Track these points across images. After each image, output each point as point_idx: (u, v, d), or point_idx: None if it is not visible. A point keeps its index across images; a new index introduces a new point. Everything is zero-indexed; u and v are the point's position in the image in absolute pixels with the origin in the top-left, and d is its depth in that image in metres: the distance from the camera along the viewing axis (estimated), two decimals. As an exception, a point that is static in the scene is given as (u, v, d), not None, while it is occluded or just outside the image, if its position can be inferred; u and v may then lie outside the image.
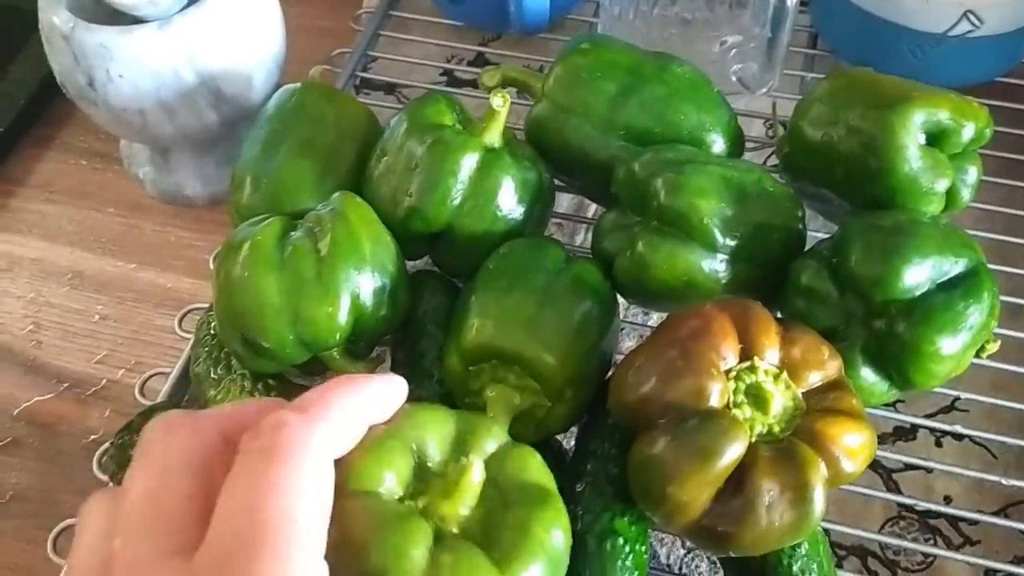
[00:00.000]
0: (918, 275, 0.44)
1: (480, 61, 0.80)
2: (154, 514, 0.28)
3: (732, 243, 0.48)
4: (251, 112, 0.66)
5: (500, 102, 0.51)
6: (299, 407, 0.30)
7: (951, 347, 0.44)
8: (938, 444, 0.57)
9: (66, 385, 0.65)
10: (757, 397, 0.40)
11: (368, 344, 0.50)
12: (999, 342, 0.48)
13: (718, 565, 0.52)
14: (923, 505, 0.51)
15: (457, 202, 0.51)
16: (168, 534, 0.27)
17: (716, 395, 0.40)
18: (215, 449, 0.30)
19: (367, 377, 0.33)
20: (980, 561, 0.48)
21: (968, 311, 0.44)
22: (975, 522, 0.53)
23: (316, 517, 0.28)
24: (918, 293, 0.44)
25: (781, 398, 0.41)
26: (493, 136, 0.52)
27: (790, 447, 0.40)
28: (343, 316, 0.46)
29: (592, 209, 0.67)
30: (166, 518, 0.28)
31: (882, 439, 0.57)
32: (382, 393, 0.34)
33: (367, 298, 0.47)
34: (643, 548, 0.43)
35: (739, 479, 0.39)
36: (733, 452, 0.39)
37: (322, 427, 0.30)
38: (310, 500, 0.28)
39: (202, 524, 0.27)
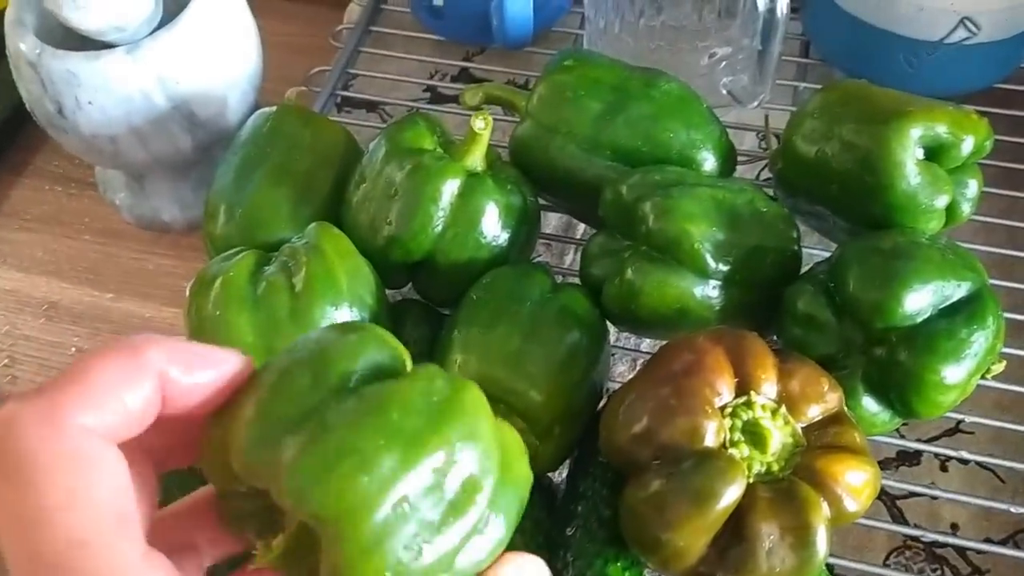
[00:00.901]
0: (919, 301, 0.42)
1: (464, 76, 0.78)
2: None
3: (725, 268, 0.46)
4: (227, 135, 0.64)
5: (482, 124, 0.49)
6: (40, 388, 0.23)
7: (956, 375, 0.42)
8: (943, 468, 0.55)
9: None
10: (754, 434, 0.38)
11: (348, 380, 0.48)
12: (1004, 362, 0.46)
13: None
14: (929, 536, 0.49)
15: (439, 229, 0.49)
16: None
17: (712, 434, 0.38)
18: None
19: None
20: (990, 594, 0.46)
21: (972, 337, 0.42)
22: (983, 551, 0.51)
23: (83, 537, 0.21)
24: (920, 320, 0.43)
25: (780, 435, 0.39)
26: (475, 159, 0.50)
27: (790, 487, 0.38)
28: (320, 354, 0.44)
29: (581, 229, 0.65)
30: None
31: (885, 464, 0.55)
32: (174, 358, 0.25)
33: (345, 334, 0.45)
34: (638, 594, 0.41)
35: (737, 522, 0.37)
36: (731, 494, 0.37)
37: (74, 408, 0.22)
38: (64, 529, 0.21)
39: None
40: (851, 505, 0.38)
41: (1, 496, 0.22)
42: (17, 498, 0.22)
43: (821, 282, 0.46)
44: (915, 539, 0.52)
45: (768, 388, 0.40)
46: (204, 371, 0.25)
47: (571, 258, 0.65)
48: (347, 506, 0.23)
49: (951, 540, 0.50)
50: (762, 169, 0.68)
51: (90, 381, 0.23)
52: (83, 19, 0.57)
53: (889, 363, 0.43)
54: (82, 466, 0.22)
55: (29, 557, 0.21)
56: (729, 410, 0.39)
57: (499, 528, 0.26)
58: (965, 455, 0.50)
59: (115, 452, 0.23)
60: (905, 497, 0.54)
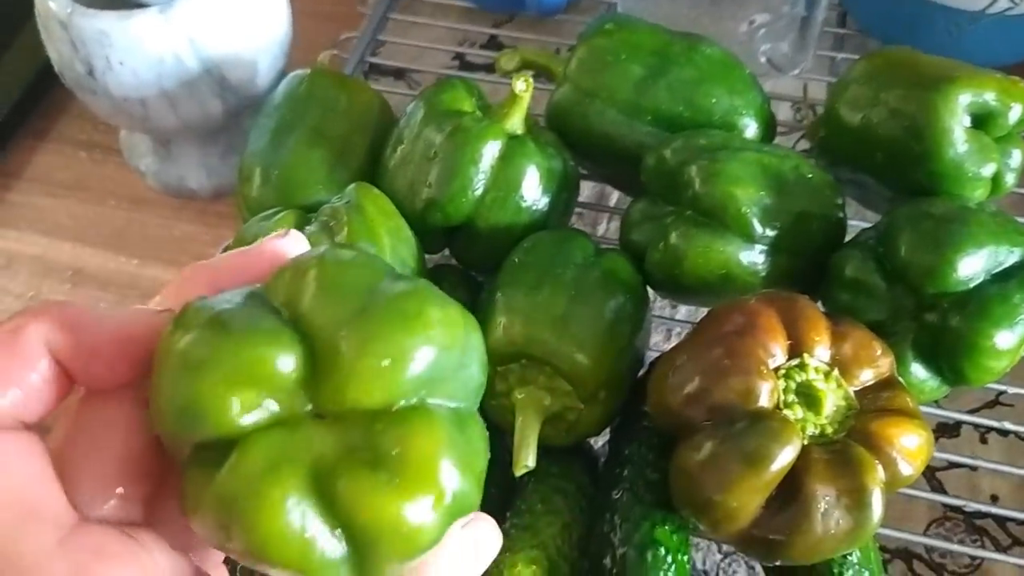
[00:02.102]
0: (973, 266, 0.42)
1: (493, 44, 0.77)
2: None
3: (771, 233, 0.45)
4: (256, 100, 0.63)
5: (523, 86, 0.48)
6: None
7: (1008, 341, 0.42)
8: (983, 440, 0.55)
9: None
10: (808, 396, 0.38)
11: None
12: (1048, 333, 0.45)
13: (757, 570, 0.50)
14: (971, 506, 0.49)
15: (479, 193, 0.48)
16: None
17: (765, 395, 0.38)
18: None
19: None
20: (1031, 564, 0.46)
21: (1026, 303, 0.42)
22: (1023, 522, 0.51)
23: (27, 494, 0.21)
24: (972, 285, 0.42)
25: (833, 397, 0.38)
26: (515, 122, 0.49)
27: (845, 449, 0.37)
28: (362, 315, 0.43)
29: (615, 197, 0.64)
30: None
31: (924, 435, 0.55)
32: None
33: (386, 296, 0.44)
34: (685, 558, 0.41)
35: (791, 484, 0.37)
36: (785, 456, 0.36)
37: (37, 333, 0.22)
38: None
39: None
40: (905, 469, 0.38)
41: None
42: None
43: (870, 248, 0.45)
44: (956, 509, 0.52)
45: (821, 351, 0.39)
46: (111, 341, 0.23)
47: (604, 227, 0.65)
48: None
49: (991, 510, 0.50)
50: (798, 140, 0.67)
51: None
52: (117, -23, 0.56)
53: (941, 328, 0.42)
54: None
55: None
56: (782, 372, 0.38)
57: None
58: (1007, 426, 0.50)
59: (16, 439, 0.22)
60: (945, 468, 0.54)
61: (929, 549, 0.51)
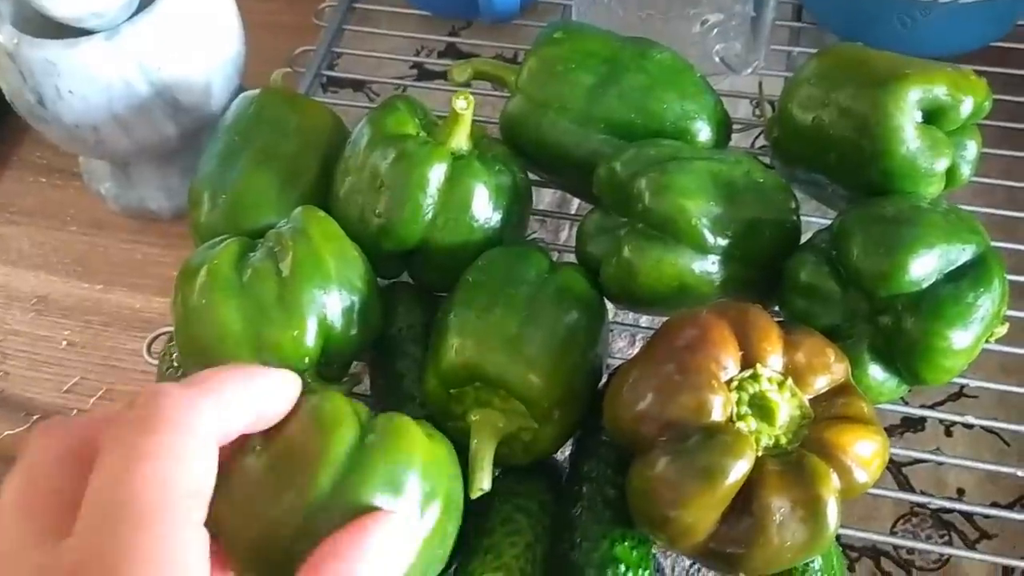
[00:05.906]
0: (925, 267, 0.42)
1: (451, 52, 0.76)
2: (23, 507, 0.27)
3: (724, 243, 0.45)
4: (212, 121, 0.63)
5: (463, 104, 0.48)
6: (186, 382, 0.29)
7: (963, 340, 0.42)
8: (948, 433, 0.55)
9: (36, 417, 0.62)
10: (762, 407, 0.38)
11: (342, 365, 0.47)
12: (1007, 325, 0.46)
13: (726, 576, 0.50)
14: (936, 502, 0.49)
15: (429, 217, 0.48)
16: (34, 521, 0.26)
17: (718, 409, 0.37)
18: (91, 445, 0.28)
19: (262, 369, 0.31)
20: (998, 559, 0.46)
21: (979, 301, 0.42)
22: (990, 515, 0.51)
23: (195, 489, 0.26)
24: (925, 285, 0.42)
25: (787, 407, 0.38)
26: (460, 141, 0.49)
27: (799, 459, 0.37)
28: (310, 339, 0.43)
29: (575, 204, 0.64)
30: (34, 508, 0.27)
31: (890, 431, 0.55)
32: (275, 386, 0.31)
33: (335, 319, 0.44)
34: (646, 573, 0.41)
35: (747, 497, 0.37)
36: (739, 469, 0.36)
37: (208, 401, 0.28)
38: (188, 469, 0.26)
39: (76, 510, 0.26)
40: (861, 476, 0.37)
41: (128, 434, 0.26)
42: (138, 438, 0.26)
43: (823, 251, 0.45)
44: (922, 506, 0.52)
45: (774, 360, 0.39)
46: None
47: (566, 234, 0.65)
48: None
49: (958, 506, 0.50)
50: (757, 136, 0.67)
51: (224, 392, 0.29)
52: (58, 5, 0.55)
53: (896, 331, 0.42)
54: (189, 446, 0.27)
55: (120, 483, 0.25)
56: (735, 384, 0.38)
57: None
58: (970, 419, 0.50)
59: (215, 449, 0.28)
60: (911, 464, 0.54)
61: (897, 547, 0.51)
